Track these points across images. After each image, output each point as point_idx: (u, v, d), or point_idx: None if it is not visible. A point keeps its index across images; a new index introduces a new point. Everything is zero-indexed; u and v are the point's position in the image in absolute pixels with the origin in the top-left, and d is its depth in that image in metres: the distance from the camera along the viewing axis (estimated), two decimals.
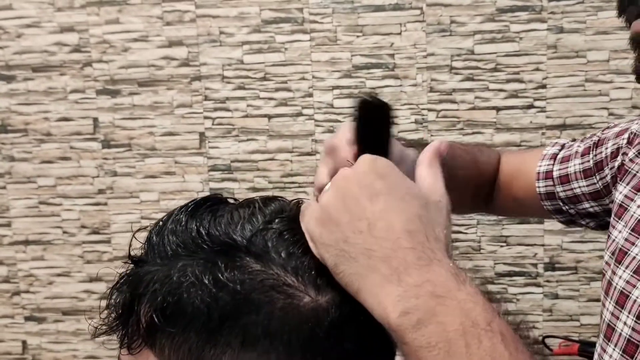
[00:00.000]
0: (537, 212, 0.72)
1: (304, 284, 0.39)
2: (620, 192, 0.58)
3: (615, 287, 0.52)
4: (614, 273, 0.53)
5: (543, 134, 1.15)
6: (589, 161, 0.66)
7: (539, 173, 0.69)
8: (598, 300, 1.20)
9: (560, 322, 1.22)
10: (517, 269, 1.21)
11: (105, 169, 1.25)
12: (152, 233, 0.44)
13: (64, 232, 1.28)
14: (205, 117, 1.22)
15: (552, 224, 1.18)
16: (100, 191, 1.26)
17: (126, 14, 1.20)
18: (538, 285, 1.21)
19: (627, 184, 0.57)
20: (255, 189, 1.22)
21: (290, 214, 0.43)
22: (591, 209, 0.66)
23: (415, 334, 0.35)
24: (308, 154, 1.20)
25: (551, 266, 1.20)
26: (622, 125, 0.65)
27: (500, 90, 1.15)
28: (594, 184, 0.65)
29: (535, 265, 1.20)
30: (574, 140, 0.72)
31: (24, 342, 1.33)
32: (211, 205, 0.44)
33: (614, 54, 1.11)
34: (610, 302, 0.52)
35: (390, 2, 1.14)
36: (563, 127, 1.14)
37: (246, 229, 0.41)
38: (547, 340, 1.21)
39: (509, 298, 1.22)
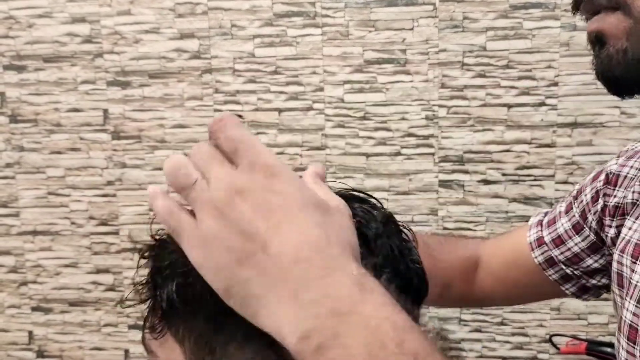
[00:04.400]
0: (535, 290, 0.66)
1: None
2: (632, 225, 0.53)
3: (636, 286, 0.49)
4: (632, 271, 0.51)
5: (554, 131, 1.15)
6: (574, 216, 0.63)
7: (531, 243, 0.65)
8: (606, 299, 1.20)
9: (567, 321, 1.21)
10: None
11: (114, 161, 1.25)
12: None
13: (72, 223, 1.28)
14: (216, 110, 1.21)
15: None
16: (109, 182, 1.26)
17: (138, 6, 1.20)
18: None
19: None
20: None
21: None
22: (596, 264, 0.62)
23: None
24: (318, 148, 1.20)
25: None
26: (597, 169, 0.63)
27: (512, 87, 1.15)
28: (588, 236, 0.62)
29: None
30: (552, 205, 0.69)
31: (30, 333, 1.33)
32: None
33: None
34: (630, 303, 0.49)
35: None
36: (574, 125, 1.14)
37: None
38: (554, 339, 1.21)
39: None
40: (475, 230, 1.20)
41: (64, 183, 1.27)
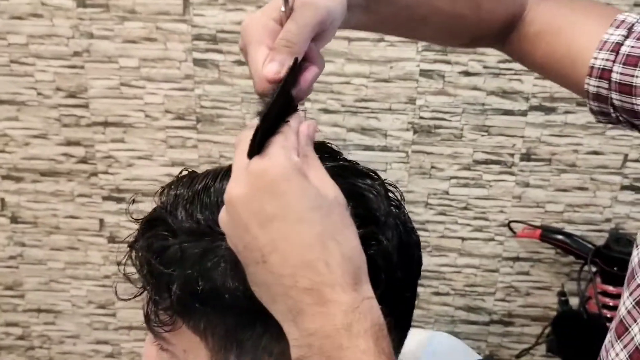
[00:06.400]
0: (568, 87, 0.58)
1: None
2: None
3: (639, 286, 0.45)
4: None
5: None
6: None
7: (592, 67, 0.53)
8: (566, 190, 1.27)
9: (526, 209, 1.29)
10: (494, 158, 1.25)
11: (80, 30, 1.18)
12: (181, 200, 0.42)
13: (39, 94, 1.23)
14: None
15: (536, 117, 1.20)
16: (76, 53, 1.19)
17: None
18: (512, 174, 1.26)
19: None
20: (240, 62, 1.18)
21: None
22: None
23: None
24: None
25: (527, 157, 1.24)
26: None
27: None
28: None
29: (512, 155, 1.24)
30: None
31: (2, 200, 1.34)
32: None
33: None
34: (629, 299, 0.46)
35: None
36: None
37: None
38: (512, 225, 1.29)
39: (482, 184, 1.27)
40: (450, 120, 1.22)
41: (27, 51, 1.20)
